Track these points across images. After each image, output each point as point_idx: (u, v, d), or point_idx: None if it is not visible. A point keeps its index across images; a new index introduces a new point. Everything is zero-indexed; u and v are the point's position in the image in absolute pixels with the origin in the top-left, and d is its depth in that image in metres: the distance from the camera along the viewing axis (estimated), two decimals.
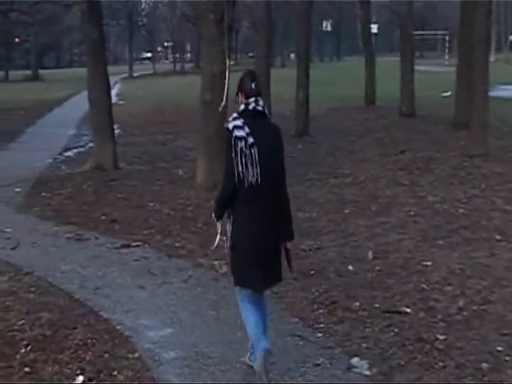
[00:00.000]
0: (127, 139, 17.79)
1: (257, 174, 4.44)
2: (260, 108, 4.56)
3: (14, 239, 8.43)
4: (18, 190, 11.58)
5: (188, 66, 74.51)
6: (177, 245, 8.11)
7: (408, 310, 5.88)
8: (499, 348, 5.10)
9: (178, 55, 78.28)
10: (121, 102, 28.79)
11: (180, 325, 5.67)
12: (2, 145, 17.40)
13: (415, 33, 26.43)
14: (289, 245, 4.78)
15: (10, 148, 17.25)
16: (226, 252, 4.82)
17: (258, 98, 4.53)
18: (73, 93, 34.47)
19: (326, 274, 6.91)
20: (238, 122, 4.48)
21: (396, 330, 5.48)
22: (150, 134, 19.17)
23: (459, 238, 8.04)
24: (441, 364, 4.88)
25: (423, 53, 77.52)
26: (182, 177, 12.43)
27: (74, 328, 5.54)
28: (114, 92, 27.44)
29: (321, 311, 5.91)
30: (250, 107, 4.54)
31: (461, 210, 9.36)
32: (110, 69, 15.41)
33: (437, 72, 42.77)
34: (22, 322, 5.68)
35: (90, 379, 4.68)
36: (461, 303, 5.99)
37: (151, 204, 10.26)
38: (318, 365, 4.90)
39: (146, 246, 8.11)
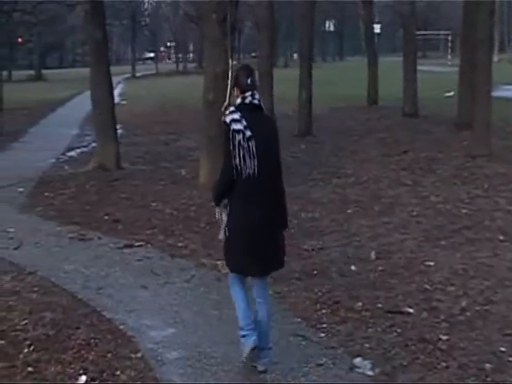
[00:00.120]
0: (130, 139, 17.80)
1: (254, 165, 4.56)
2: (256, 102, 4.67)
3: (17, 239, 8.44)
4: (20, 189, 11.60)
5: (191, 65, 74.50)
6: (179, 245, 8.11)
7: (411, 311, 5.87)
8: (502, 348, 5.09)
9: (180, 55, 78.28)
10: (123, 102, 28.80)
11: (183, 325, 5.68)
12: (5, 144, 17.43)
13: (418, 33, 26.38)
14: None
15: (13, 148, 17.27)
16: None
17: (255, 92, 4.65)
18: (76, 93, 34.49)
19: (329, 274, 6.91)
20: (236, 116, 4.58)
21: (399, 330, 5.48)
22: (153, 134, 19.18)
23: (462, 239, 8.03)
24: (444, 364, 4.87)
25: (426, 53, 77.36)
26: (185, 177, 12.44)
27: (77, 328, 5.55)
28: (116, 92, 27.36)
29: (324, 311, 5.91)
30: (247, 101, 4.64)
31: (464, 211, 9.35)
32: (113, 69, 15.43)
33: (439, 72, 42.71)
34: (25, 321, 5.68)
35: (92, 379, 4.69)
36: (464, 303, 5.99)
37: (154, 204, 10.27)
38: (321, 365, 4.90)
39: (149, 245, 8.12)
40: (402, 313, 5.83)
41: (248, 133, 4.54)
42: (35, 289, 6.55)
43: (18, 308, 6.02)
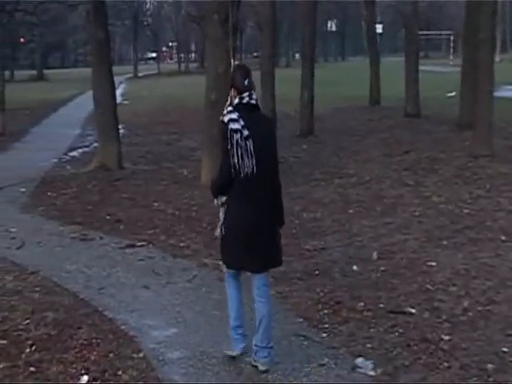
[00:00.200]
0: (132, 139, 17.83)
1: (252, 164, 4.62)
2: (254, 101, 4.74)
3: (19, 239, 8.45)
4: (23, 189, 11.61)
5: (193, 65, 74.55)
6: (181, 245, 8.12)
7: (413, 311, 5.87)
8: (504, 349, 5.08)
9: (182, 55, 78.30)
10: (126, 102, 28.84)
11: (184, 325, 5.68)
12: (7, 144, 17.47)
13: (420, 33, 26.39)
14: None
15: (15, 148, 17.30)
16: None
17: (252, 92, 4.72)
18: (77, 93, 34.54)
19: (331, 274, 6.91)
20: (234, 115, 4.64)
21: (401, 330, 5.47)
22: (155, 134, 19.20)
23: (464, 239, 8.03)
24: (445, 364, 4.87)
25: (428, 53, 77.38)
26: (187, 177, 12.44)
27: (79, 328, 5.55)
28: (118, 92, 27.45)
29: (325, 311, 5.90)
30: (245, 101, 4.71)
31: (466, 211, 9.34)
32: (115, 69, 15.43)
33: (441, 72, 42.70)
34: (27, 321, 5.69)
35: (94, 379, 4.69)
36: (466, 304, 5.98)
37: (156, 204, 10.28)
38: (323, 365, 4.90)
39: (151, 245, 8.12)
40: (403, 313, 5.83)
41: (246, 132, 4.60)
42: (37, 288, 6.56)
43: (20, 308, 6.03)
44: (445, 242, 7.89)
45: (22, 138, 19.17)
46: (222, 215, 4.84)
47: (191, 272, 7.09)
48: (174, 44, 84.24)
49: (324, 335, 5.43)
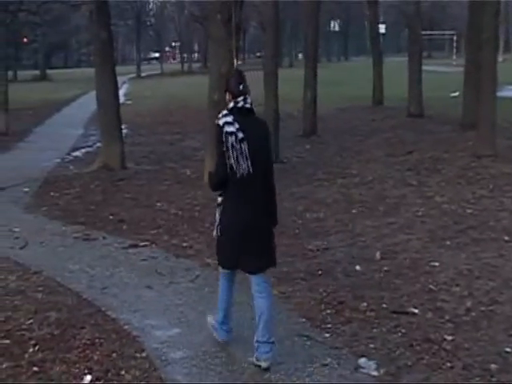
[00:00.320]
0: (135, 139, 17.84)
1: (247, 166, 4.72)
2: (248, 105, 4.84)
3: (23, 239, 8.46)
4: (26, 189, 11.63)
5: (196, 65, 74.57)
6: (184, 245, 8.12)
7: (416, 311, 5.87)
8: (507, 349, 5.08)
9: (185, 55, 78.35)
10: (129, 102, 28.85)
11: (187, 324, 5.68)
12: (10, 144, 17.49)
13: (423, 33, 26.35)
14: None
15: (18, 148, 17.33)
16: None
17: (246, 97, 4.83)
18: (81, 93, 34.57)
19: (334, 274, 6.91)
20: (229, 119, 4.75)
21: (403, 330, 5.47)
22: (158, 134, 19.21)
23: (467, 239, 8.02)
24: (448, 365, 4.87)
25: (431, 53, 77.32)
26: (190, 177, 12.45)
27: (82, 327, 5.56)
28: (121, 92, 27.50)
29: (328, 311, 5.90)
30: (239, 105, 4.82)
31: (469, 211, 9.33)
32: (118, 69, 15.46)
33: (445, 72, 42.66)
34: (31, 321, 5.70)
35: (97, 378, 4.69)
36: (469, 304, 5.98)
37: (159, 204, 10.28)
38: (326, 365, 4.90)
39: (154, 245, 8.13)
40: (406, 313, 5.82)
41: (240, 135, 4.70)
42: (40, 288, 6.57)
43: (24, 307, 6.04)
44: (448, 242, 7.89)
45: (26, 137, 19.20)
46: (218, 216, 4.93)
47: (194, 272, 7.09)
48: (177, 44, 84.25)
49: (327, 335, 5.43)
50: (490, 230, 8.37)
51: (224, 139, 4.70)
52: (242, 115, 4.78)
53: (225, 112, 4.81)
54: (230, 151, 4.69)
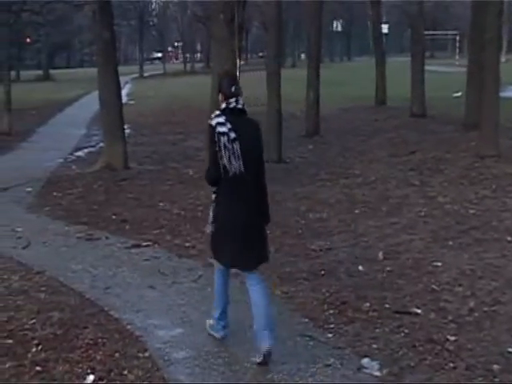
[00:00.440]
0: (137, 139, 17.85)
1: (239, 165, 4.83)
2: (240, 106, 4.94)
3: (25, 239, 8.47)
4: (29, 189, 11.65)
5: (198, 65, 74.57)
6: (187, 245, 8.13)
7: (418, 311, 5.86)
8: (510, 349, 5.07)
9: (188, 55, 78.35)
10: (131, 102, 28.88)
11: (190, 324, 5.69)
12: (13, 144, 17.52)
13: (426, 33, 26.35)
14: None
15: (21, 147, 17.36)
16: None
17: (238, 98, 4.93)
18: (83, 93, 34.59)
19: (337, 274, 6.91)
20: (221, 119, 4.85)
21: (406, 330, 5.47)
22: (161, 134, 19.23)
23: (470, 239, 8.01)
24: (451, 365, 4.86)
25: (434, 53, 77.21)
26: (192, 177, 12.45)
27: (85, 327, 5.56)
28: (124, 92, 27.49)
29: (331, 311, 5.90)
30: (231, 106, 4.90)
31: (471, 211, 9.32)
32: (121, 69, 15.48)
33: (447, 72, 42.61)
34: (33, 321, 5.71)
35: (100, 378, 4.70)
36: (471, 304, 5.98)
37: (161, 204, 10.29)
38: (329, 365, 4.90)
39: (156, 245, 8.13)
40: (409, 313, 5.82)
41: (232, 135, 4.80)
42: (43, 288, 6.58)
43: (26, 307, 6.04)
44: (450, 243, 7.88)
45: (28, 137, 19.23)
46: (211, 213, 5.05)
47: (197, 272, 7.09)
48: (180, 44, 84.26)
49: (330, 335, 5.42)
50: (492, 230, 8.36)
51: (216, 139, 4.80)
52: (234, 116, 4.87)
53: (217, 113, 4.91)
54: (223, 151, 4.79)
